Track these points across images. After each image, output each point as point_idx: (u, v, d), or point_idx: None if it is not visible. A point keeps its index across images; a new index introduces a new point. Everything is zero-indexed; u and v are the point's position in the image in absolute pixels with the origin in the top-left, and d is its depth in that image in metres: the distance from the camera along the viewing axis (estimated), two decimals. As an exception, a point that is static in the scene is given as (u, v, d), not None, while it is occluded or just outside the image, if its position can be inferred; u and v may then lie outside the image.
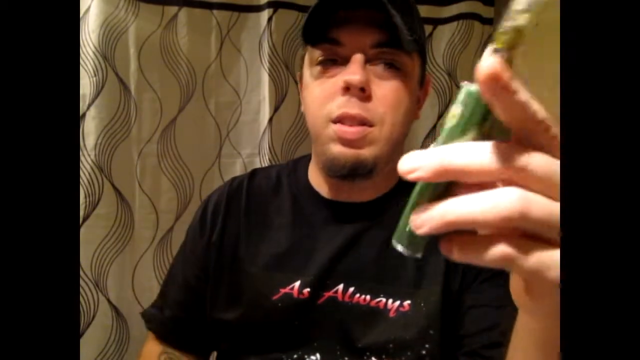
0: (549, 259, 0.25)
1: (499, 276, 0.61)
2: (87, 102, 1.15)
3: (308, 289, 0.66)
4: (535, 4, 0.23)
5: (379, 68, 0.63)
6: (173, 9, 1.24)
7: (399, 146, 0.67)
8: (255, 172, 0.82)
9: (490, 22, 1.54)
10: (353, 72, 0.61)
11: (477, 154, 0.24)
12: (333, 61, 0.65)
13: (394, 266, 0.66)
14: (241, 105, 1.32)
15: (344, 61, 0.64)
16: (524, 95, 0.24)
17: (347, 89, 0.61)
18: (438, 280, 0.63)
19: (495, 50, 0.24)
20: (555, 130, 0.24)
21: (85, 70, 1.14)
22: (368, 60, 0.63)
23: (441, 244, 0.27)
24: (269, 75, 1.32)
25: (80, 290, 1.13)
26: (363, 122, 0.62)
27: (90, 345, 1.15)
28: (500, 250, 0.24)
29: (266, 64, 1.32)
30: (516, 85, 0.24)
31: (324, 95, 0.64)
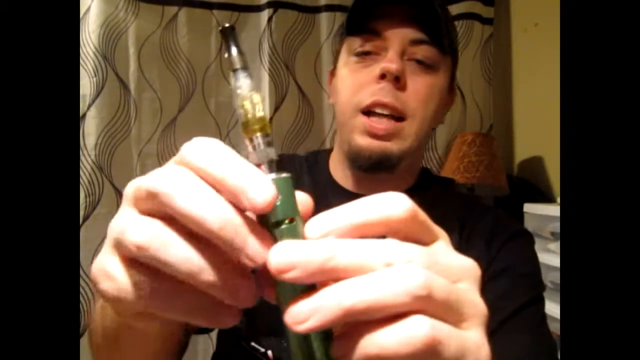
0: (470, 340, 0.23)
1: (504, 272, 0.61)
2: (87, 102, 1.15)
3: None
4: (249, 88, 0.25)
5: (413, 63, 0.63)
6: (173, 9, 1.24)
7: (422, 143, 0.68)
8: (281, 156, 0.81)
9: (490, 22, 1.54)
10: (390, 60, 0.61)
11: (363, 252, 0.22)
12: (369, 53, 0.65)
13: None
14: (241, 105, 1.32)
15: (381, 53, 0.64)
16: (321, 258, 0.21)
17: (383, 77, 0.61)
18: None
19: (255, 140, 0.25)
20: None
21: (85, 70, 1.14)
22: (404, 55, 0.63)
23: (338, 344, 0.22)
24: (269, 75, 1.32)
25: (80, 290, 1.13)
26: (394, 112, 0.62)
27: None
28: (425, 328, 0.21)
29: (266, 64, 1.32)
30: (309, 262, 0.21)
31: (357, 83, 0.64)
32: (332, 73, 0.74)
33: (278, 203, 0.23)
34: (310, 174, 0.74)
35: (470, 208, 0.67)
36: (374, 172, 0.64)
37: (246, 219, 0.22)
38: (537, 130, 1.49)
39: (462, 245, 0.64)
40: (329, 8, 1.39)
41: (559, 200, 1.26)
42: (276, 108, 1.32)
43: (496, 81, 1.58)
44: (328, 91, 0.76)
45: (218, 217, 0.22)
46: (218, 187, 0.22)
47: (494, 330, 0.57)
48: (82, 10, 1.14)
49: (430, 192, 0.69)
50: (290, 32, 1.36)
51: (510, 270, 0.61)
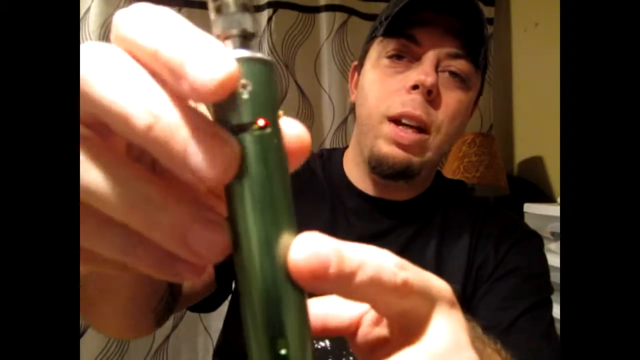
0: None
1: (512, 272, 0.61)
2: (87, 102, 1.15)
3: None
4: None
5: (446, 76, 0.62)
6: (173, 10, 1.24)
7: (442, 155, 0.67)
8: None
9: (490, 22, 1.54)
10: (426, 72, 0.59)
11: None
12: (401, 57, 0.63)
13: (414, 265, 0.66)
14: (241, 105, 1.32)
15: (414, 60, 0.62)
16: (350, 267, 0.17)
17: (415, 87, 0.60)
18: (458, 279, 0.63)
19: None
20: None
21: (85, 71, 1.14)
22: (439, 66, 0.61)
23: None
24: (269, 75, 1.32)
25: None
26: (421, 125, 0.60)
27: (90, 345, 1.15)
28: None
29: (266, 64, 1.32)
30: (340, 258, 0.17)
31: (387, 89, 0.62)
32: (356, 69, 0.72)
33: (245, 96, 0.15)
34: (323, 170, 0.72)
35: (480, 211, 0.67)
36: (394, 179, 0.63)
37: (193, 114, 0.15)
38: (537, 130, 1.50)
39: (471, 248, 0.64)
40: (329, 8, 1.39)
41: (559, 200, 1.26)
42: (276, 108, 1.32)
43: (496, 81, 1.58)
44: (350, 87, 0.74)
45: (145, 108, 0.15)
46: (153, 65, 0.16)
47: (503, 331, 0.57)
48: (82, 10, 1.14)
49: (444, 198, 0.69)
50: (290, 32, 1.36)
51: (519, 271, 0.61)
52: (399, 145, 0.60)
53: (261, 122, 0.15)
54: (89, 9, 1.15)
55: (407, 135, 0.60)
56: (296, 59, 1.37)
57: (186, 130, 0.15)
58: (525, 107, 1.59)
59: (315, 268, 0.16)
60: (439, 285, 0.21)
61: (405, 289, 0.18)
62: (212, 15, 0.17)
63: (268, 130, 0.15)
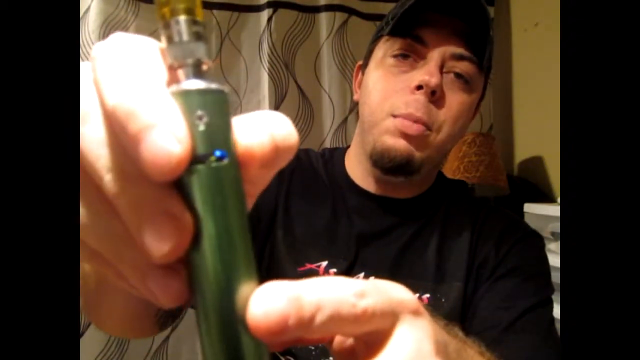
0: None
1: (513, 272, 0.61)
2: (87, 102, 1.15)
3: (334, 270, 0.65)
4: None
5: (450, 77, 0.62)
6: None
7: (444, 155, 0.68)
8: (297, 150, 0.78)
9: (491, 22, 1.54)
10: (430, 72, 0.60)
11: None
12: (407, 57, 0.64)
13: (415, 263, 0.66)
14: (241, 105, 1.32)
15: (420, 60, 0.63)
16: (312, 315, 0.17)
17: (419, 88, 0.60)
18: (459, 278, 0.63)
19: (176, 26, 0.16)
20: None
21: (85, 70, 1.14)
22: (443, 67, 0.62)
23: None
24: (269, 75, 1.32)
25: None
26: (424, 124, 0.61)
27: (90, 345, 1.15)
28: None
29: (266, 64, 1.32)
30: (304, 310, 0.17)
31: (391, 88, 0.63)
32: (360, 68, 0.72)
33: (201, 128, 0.16)
34: (325, 170, 0.73)
35: (481, 210, 0.68)
36: (394, 174, 0.64)
37: (151, 187, 0.16)
38: (537, 130, 1.50)
39: (472, 247, 0.64)
40: (329, 8, 1.39)
41: (559, 200, 1.26)
42: (276, 108, 1.32)
43: (496, 81, 1.58)
44: (353, 86, 0.75)
45: (114, 176, 0.16)
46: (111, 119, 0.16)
47: (503, 330, 0.57)
48: (82, 10, 1.14)
49: (445, 197, 0.69)
50: (290, 32, 1.36)
51: (519, 271, 0.61)
52: (405, 136, 0.61)
53: (218, 153, 0.16)
54: (88, 8, 1.15)
55: (414, 126, 0.61)
56: (296, 59, 1.37)
57: (142, 211, 0.16)
58: (525, 107, 1.59)
59: (274, 326, 0.16)
60: (402, 297, 0.21)
61: (365, 316, 0.19)
62: (165, 43, 0.16)
63: (225, 161, 0.16)
